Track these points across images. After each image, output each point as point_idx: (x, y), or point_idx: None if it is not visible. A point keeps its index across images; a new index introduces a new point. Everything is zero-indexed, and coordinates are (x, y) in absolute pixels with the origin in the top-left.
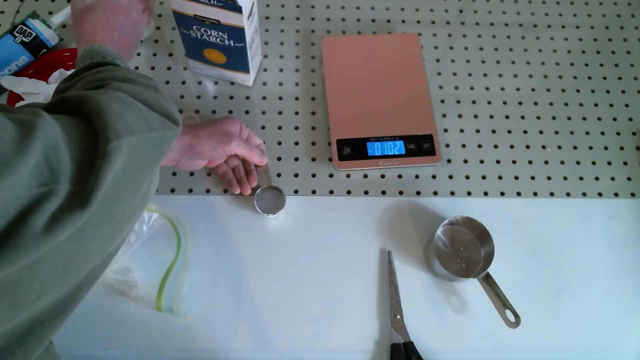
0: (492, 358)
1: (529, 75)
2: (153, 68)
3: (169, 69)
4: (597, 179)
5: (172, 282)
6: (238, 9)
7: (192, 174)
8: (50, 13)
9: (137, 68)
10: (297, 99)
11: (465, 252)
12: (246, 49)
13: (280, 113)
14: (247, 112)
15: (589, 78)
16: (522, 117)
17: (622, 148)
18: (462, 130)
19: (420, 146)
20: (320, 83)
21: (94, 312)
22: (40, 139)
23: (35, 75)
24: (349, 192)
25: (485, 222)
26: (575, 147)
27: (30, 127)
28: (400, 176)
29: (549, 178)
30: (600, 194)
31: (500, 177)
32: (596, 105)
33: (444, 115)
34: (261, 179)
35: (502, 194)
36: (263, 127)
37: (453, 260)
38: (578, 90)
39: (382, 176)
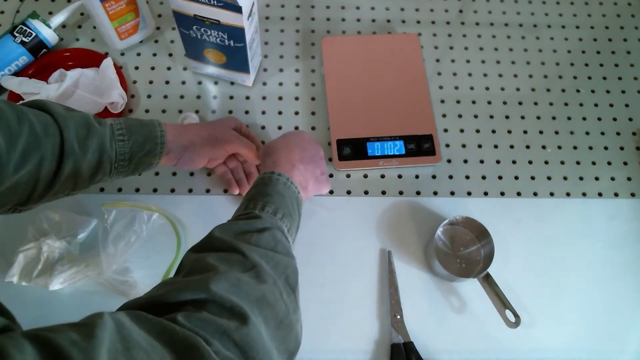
0: (492, 358)
1: (529, 75)
2: (153, 68)
3: (169, 69)
4: (597, 179)
5: None
6: (238, 9)
7: (192, 173)
8: (50, 13)
9: (136, 68)
10: (297, 99)
11: (465, 252)
12: (246, 49)
13: (280, 113)
14: (247, 112)
15: (589, 78)
16: (522, 117)
17: (622, 148)
18: (462, 130)
19: (420, 146)
20: (320, 83)
21: (92, 311)
22: None
23: (35, 75)
24: (349, 192)
25: (485, 222)
26: (575, 147)
27: None
28: (400, 176)
29: (549, 178)
30: (600, 194)
31: (500, 177)
32: (596, 105)
33: (444, 115)
34: None
35: (502, 194)
36: (263, 127)
37: (453, 260)
38: (578, 90)
39: (382, 176)
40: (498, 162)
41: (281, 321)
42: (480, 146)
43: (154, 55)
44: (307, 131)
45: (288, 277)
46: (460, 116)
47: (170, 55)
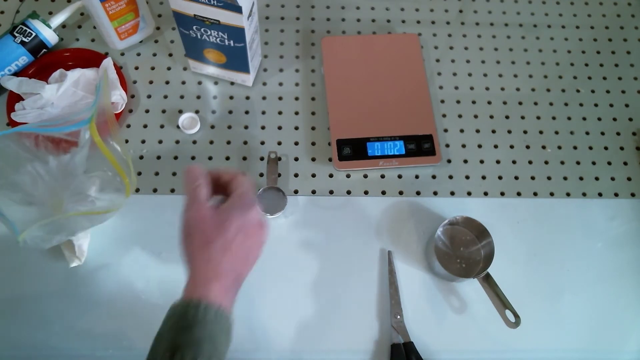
0: (492, 358)
1: (529, 75)
2: (153, 68)
3: (169, 69)
4: (597, 179)
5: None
6: (238, 9)
7: None
8: (50, 13)
9: (136, 69)
10: (297, 99)
11: (465, 252)
12: (246, 49)
13: (280, 113)
14: (247, 112)
15: (589, 78)
16: (522, 117)
17: (622, 148)
18: (462, 130)
19: (420, 146)
20: (320, 83)
21: (93, 312)
22: None
23: (35, 75)
24: (349, 192)
25: (485, 222)
26: (575, 147)
27: None
28: (400, 176)
29: (549, 178)
30: (600, 194)
31: (500, 177)
32: (596, 105)
33: (444, 115)
34: (269, 179)
35: (502, 194)
36: (263, 127)
37: (453, 260)
38: (578, 90)
39: (382, 176)
40: (498, 162)
41: None
42: (480, 146)
43: (154, 55)
44: (253, 205)
45: None
46: (460, 116)
47: (170, 55)
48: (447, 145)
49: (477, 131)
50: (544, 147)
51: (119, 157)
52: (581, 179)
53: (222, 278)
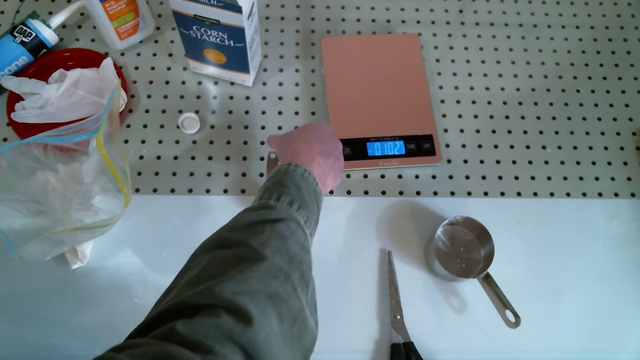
0: (492, 358)
1: (529, 75)
2: (153, 68)
3: (169, 69)
4: (597, 179)
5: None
6: (238, 9)
7: (191, 173)
8: (50, 13)
9: (136, 69)
10: (297, 99)
11: (465, 252)
12: (246, 49)
13: (280, 113)
14: (247, 112)
15: (589, 78)
16: (522, 117)
17: (622, 148)
18: (462, 130)
19: (420, 146)
20: (320, 83)
21: (94, 312)
22: None
23: (35, 75)
24: (349, 192)
25: (485, 222)
26: (575, 147)
27: None
28: (400, 176)
29: (549, 178)
30: (600, 194)
31: (500, 177)
32: (596, 105)
33: (444, 115)
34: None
35: (502, 194)
36: (263, 127)
37: (453, 260)
38: (578, 91)
39: (382, 176)
40: (498, 162)
41: (296, 317)
42: (480, 146)
43: (154, 55)
44: (327, 123)
45: (303, 272)
46: (460, 116)
47: (170, 55)
48: (447, 145)
49: (477, 131)
50: (544, 147)
51: (119, 168)
52: (581, 179)
53: (308, 150)
